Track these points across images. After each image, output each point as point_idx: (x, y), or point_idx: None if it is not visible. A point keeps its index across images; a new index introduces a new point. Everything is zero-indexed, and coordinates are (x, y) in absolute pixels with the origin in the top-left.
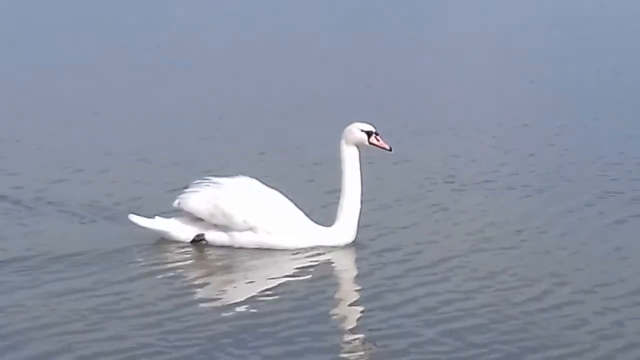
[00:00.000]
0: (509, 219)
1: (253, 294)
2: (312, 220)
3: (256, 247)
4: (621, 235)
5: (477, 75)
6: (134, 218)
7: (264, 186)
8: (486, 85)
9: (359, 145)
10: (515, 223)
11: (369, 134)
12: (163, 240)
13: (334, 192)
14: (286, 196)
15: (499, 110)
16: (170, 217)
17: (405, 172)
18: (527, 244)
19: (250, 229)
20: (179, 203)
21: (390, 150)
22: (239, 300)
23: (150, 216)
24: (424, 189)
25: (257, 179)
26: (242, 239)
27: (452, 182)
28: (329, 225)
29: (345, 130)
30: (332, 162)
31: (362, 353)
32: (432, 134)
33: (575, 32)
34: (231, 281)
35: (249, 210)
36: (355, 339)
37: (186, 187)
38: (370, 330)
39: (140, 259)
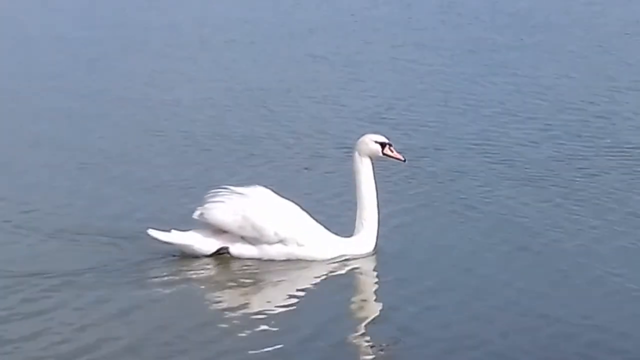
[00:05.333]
0: (527, 221)
1: (288, 305)
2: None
3: (285, 259)
4: None
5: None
6: (153, 233)
7: (279, 197)
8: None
9: (372, 157)
10: (532, 225)
11: (382, 145)
12: (182, 255)
13: (325, 201)
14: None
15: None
16: (188, 230)
17: (411, 179)
18: (546, 245)
19: (281, 241)
20: (201, 214)
21: (404, 161)
22: (272, 311)
23: (165, 230)
24: (433, 194)
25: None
26: (272, 251)
27: (458, 186)
28: (347, 236)
29: (358, 142)
30: (318, 170)
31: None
32: (436, 139)
33: None
34: (262, 293)
35: (279, 222)
36: (387, 347)
37: (202, 199)
38: (396, 338)
39: (164, 274)
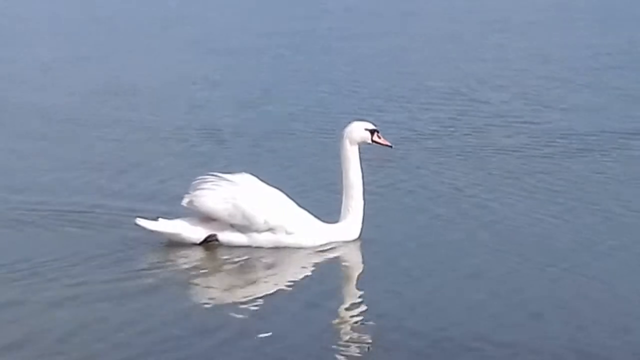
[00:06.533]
0: (513, 209)
1: (276, 292)
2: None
3: (273, 246)
4: None
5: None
6: (141, 222)
7: (266, 184)
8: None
9: (360, 144)
10: (518, 213)
11: (372, 132)
12: (170, 243)
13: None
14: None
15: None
16: (175, 218)
17: (396, 167)
18: (534, 234)
19: (270, 229)
20: (190, 202)
21: (392, 147)
22: (260, 299)
23: (152, 219)
24: (417, 181)
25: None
26: (261, 239)
27: (442, 174)
28: (333, 222)
29: (347, 129)
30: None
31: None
32: (424, 127)
33: None
34: (250, 280)
35: (269, 210)
36: (372, 333)
37: (190, 186)
38: (381, 324)
39: (152, 263)
